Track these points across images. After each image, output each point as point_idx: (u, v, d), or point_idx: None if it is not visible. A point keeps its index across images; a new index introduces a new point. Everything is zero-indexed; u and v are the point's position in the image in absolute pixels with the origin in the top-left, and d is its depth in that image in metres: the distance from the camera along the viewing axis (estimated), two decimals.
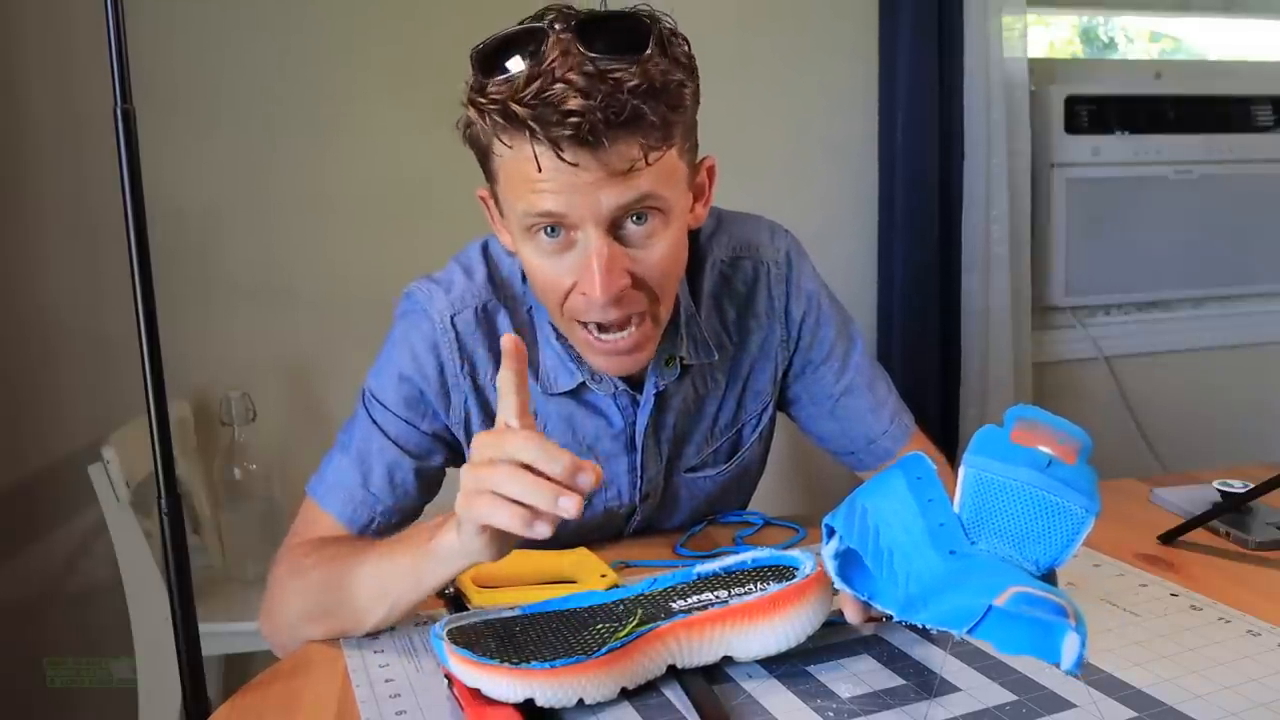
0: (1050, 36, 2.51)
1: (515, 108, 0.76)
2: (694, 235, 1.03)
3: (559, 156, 0.77)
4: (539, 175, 0.79)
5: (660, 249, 0.85)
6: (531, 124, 0.76)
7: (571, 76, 0.75)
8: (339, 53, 1.81)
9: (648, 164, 0.80)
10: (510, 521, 0.67)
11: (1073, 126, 2.22)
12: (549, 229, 0.83)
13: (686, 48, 0.84)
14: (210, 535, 1.75)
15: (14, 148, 1.69)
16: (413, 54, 1.82)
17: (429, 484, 1.00)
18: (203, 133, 1.76)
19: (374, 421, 0.97)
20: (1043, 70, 2.23)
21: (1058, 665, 0.56)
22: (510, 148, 0.80)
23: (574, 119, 0.75)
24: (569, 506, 0.66)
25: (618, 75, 0.76)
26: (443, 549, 0.75)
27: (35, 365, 1.74)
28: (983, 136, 2.08)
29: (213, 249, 1.79)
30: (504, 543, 0.73)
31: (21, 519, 1.75)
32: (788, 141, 2.07)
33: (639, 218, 0.83)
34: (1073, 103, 2.22)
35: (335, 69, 1.81)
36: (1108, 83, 2.33)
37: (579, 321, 0.89)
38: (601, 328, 0.88)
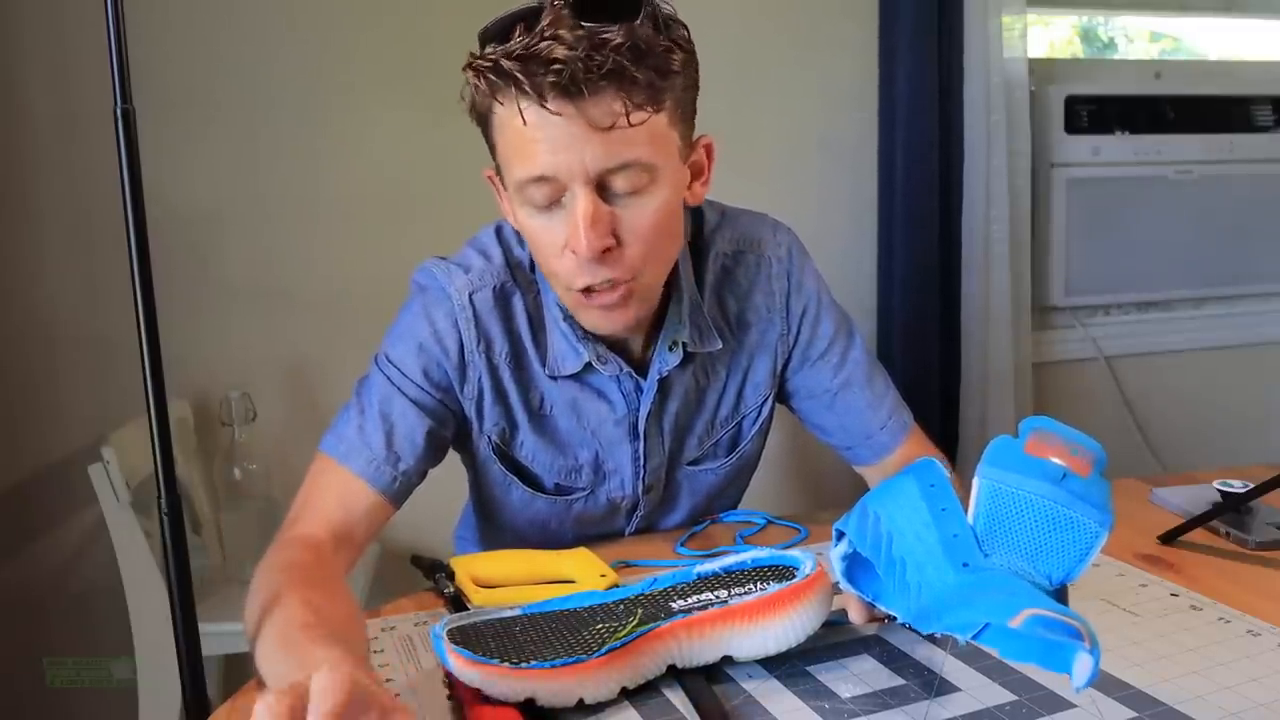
0: (1050, 36, 2.51)
1: (504, 62, 0.80)
2: (698, 227, 1.04)
3: (543, 106, 0.80)
4: (526, 129, 0.82)
5: (647, 210, 0.86)
6: (518, 75, 0.79)
7: (560, 33, 0.79)
8: (337, 54, 1.81)
9: (630, 123, 0.81)
10: None
11: (1073, 126, 2.22)
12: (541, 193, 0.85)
13: (685, 32, 0.87)
14: (210, 535, 1.74)
15: (14, 148, 1.69)
16: (410, 56, 1.82)
17: (438, 450, 1.00)
18: (202, 133, 1.75)
19: (393, 385, 0.97)
20: (1043, 70, 2.24)
21: (1067, 675, 0.56)
22: (503, 105, 0.83)
23: (556, 66, 0.78)
24: None
25: (604, 36, 0.79)
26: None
27: (35, 365, 1.73)
28: (983, 136, 2.08)
29: (213, 249, 1.79)
30: None
31: (21, 519, 1.75)
32: (788, 141, 2.07)
33: (625, 180, 0.84)
34: (1073, 103, 2.22)
35: (334, 70, 1.81)
36: (1108, 83, 2.33)
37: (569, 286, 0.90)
38: (590, 291, 0.89)
